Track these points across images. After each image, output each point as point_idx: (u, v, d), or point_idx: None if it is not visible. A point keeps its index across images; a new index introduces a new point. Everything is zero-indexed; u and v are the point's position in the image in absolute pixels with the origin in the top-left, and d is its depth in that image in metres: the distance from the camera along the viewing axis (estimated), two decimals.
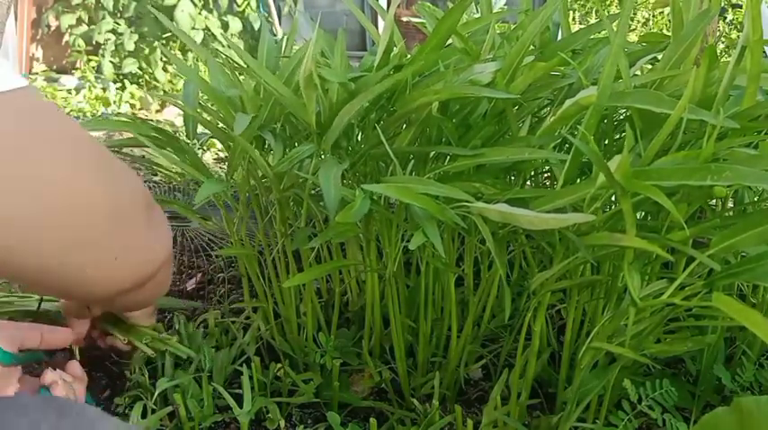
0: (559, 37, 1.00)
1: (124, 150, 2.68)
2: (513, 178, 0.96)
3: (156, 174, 2.37)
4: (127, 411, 0.95)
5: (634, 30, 4.85)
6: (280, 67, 1.03)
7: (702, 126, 0.70)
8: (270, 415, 0.94)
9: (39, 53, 4.07)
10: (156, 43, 3.69)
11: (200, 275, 1.45)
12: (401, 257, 0.95)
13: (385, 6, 0.96)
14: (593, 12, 4.79)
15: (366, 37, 5.03)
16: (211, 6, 3.79)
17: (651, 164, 0.69)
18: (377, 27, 1.12)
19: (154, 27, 3.73)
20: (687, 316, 0.96)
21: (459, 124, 0.88)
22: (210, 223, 1.12)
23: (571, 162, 0.74)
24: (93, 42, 3.70)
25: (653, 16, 4.92)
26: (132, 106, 3.56)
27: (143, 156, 2.59)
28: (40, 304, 0.98)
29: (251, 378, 0.95)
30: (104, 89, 3.69)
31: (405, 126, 0.88)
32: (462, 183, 0.79)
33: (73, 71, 3.89)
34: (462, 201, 0.72)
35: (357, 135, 0.95)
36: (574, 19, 4.73)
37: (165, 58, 3.62)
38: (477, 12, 1.21)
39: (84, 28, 3.75)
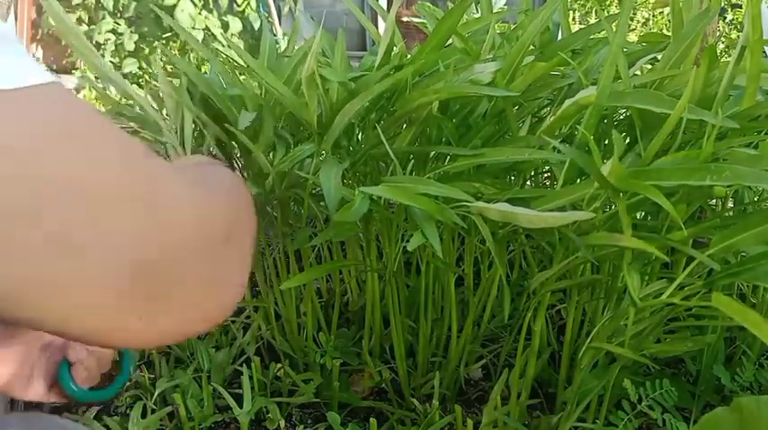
0: (559, 37, 1.00)
1: None
2: (513, 178, 0.96)
3: None
4: (127, 411, 0.95)
5: (634, 30, 4.85)
6: (280, 66, 1.03)
7: (702, 126, 0.70)
8: (270, 415, 0.95)
9: (39, 53, 4.07)
10: (156, 43, 3.69)
11: None
12: (401, 257, 0.95)
13: (385, 6, 0.96)
14: (593, 12, 4.79)
15: (366, 37, 5.03)
16: (211, 6, 3.79)
17: (651, 163, 0.69)
18: (377, 27, 1.12)
19: (154, 27, 3.73)
20: (687, 316, 0.96)
21: (460, 124, 0.88)
22: None
23: (571, 162, 0.74)
24: (93, 42, 3.71)
25: (653, 16, 4.92)
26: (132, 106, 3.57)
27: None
28: None
29: (251, 378, 0.95)
30: (104, 89, 3.69)
31: (405, 126, 0.88)
32: (462, 183, 0.79)
33: (73, 71, 3.89)
34: (462, 201, 0.72)
35: (357, 135, 0.95)
36: (574, 19, 4.72)
37: (165, 58, 3.62)
38: (477, 12, 1.21)
39: (84, 28, 3.75)
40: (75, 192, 0.26)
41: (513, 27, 1.00)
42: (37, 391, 0.53)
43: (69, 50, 3.87)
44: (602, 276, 0.91)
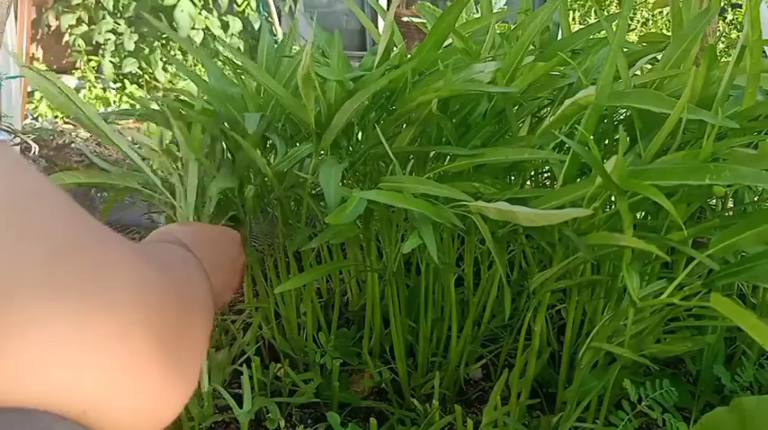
0: (559, 37, 1.00)
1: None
2: (512, 178, 0.96)
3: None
4: None
5: (634, 30, 4.85)
6: (280, 67, 1.03)
7: (702, 126, 0.70)
8: (270, 415, 0.94)
9: (39, 53, 4.07)
10: (156, 43, 3.69)
11: None
12: (401, 257, 0.95)
13: (385, 7, 0.97)
14: (593, 12, 4.79)
15: (366, 37, 5.03)
16: (211, 6, 3.79)
17: (651, 163, 0.69)
18: (377, 27, 1.12)
19: (154, 27, 3.73)
20: (687, 316, 0.96)
21: (459, 124, 0.88)
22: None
23: (570, 162, 0.74)
24: (93, 42, 3.70)
25: (653, 16, 4.92)
26: (132, 106, 3.57)
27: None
28: None
29: (251, 378, 0.95)
30: (104, 89, 3.69)
31: (404, 125, 0.88)
32: (462, 183, 0.79)
33: (73, 71, 3.89)
34: (461, 201, 0.72)
35: (357, 134, 0.95)
36: (574, 19, 4.72)
37: (165, 58, 3.62)
38: (478, 12, 1.21)
39: (84, 28, 3.75)
40: None
41: (513, 27, 1.00)
42: None
43: (69, 50, 3.87)
44: (602, 276, 0.91)
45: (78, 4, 3.75)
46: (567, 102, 0.74)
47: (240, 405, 0.90)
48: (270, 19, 4.02)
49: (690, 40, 0.79)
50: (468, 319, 0.98)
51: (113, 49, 3.70)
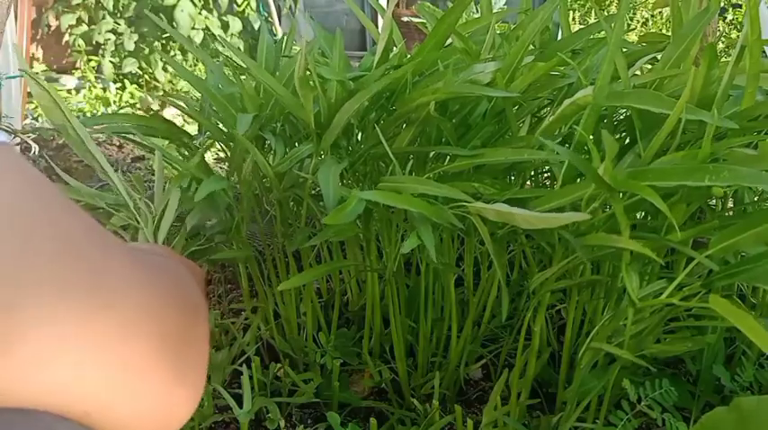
0: (559, 37, 1.00)
1: (123, 153, 2.68)
2: (512, 178, 0.96)
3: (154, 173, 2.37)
4: None
5: (634, 30, 4.85)
6: (280, 67, 1.03)
7: (702, 126, 0.70)
8: (270, 415, 0.95)
9: (39, 53, 4.07)
10: (156, 43, 3.69)
11: None
12: (401, 257, 0.95)
13: (386, 7, 0.97)
14: (593, 12, 4.79)
15: (366, 37, 5.03)
16: (211, 6, 3.79)
17: (650, 164, 0.69)
18: (377, 27, 1.12)
19: (154, 27, 3.73)
20: (687, 316, 0.96)
21: (459, 124, 0.88)
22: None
23: (569, 162, 0.74)
24: (93, 42, 3.70)
25: (653, 16, 4.92)
26: (132, 106, 3.57)
27: (142, 157, 2.60)
28: None
29: (251, 378, 0.95)
30: (104, 89, 3.69)
31: (404, 126, 0.88)
32: (461, 183, 0.79)
33: (73, 71, 3.89)
34: (461, 201, 0.72)
35: (357, 135, 0.95)
36: (574, 19, 4.73)
37: (164, 59, 3.62)
38: (478, 12, 1.21)
39: (84, 28, 3.75)
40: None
41: (512, 27, 1.00)
42: None
43: (69, 50, 3.87)
44: (601, 276, 0.91)
45: (78, 4, 3.74)
46: (567, 102, 0.74)
47: (240, 405, 0.90)
48: (270, 19, 4.02)
49: (689, 40, 0.79)
50: (467, 319, 0.98)
51: (113, 49, 3.70)
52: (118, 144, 2.72)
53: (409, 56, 0.89)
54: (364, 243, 0.99)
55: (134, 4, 3.68)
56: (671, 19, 0.86)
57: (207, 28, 3.67)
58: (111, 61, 3.71)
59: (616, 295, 0.85)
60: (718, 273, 0.65)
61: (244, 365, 0.98)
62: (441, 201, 0.74)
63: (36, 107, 3.34)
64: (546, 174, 1.13)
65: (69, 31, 3.78)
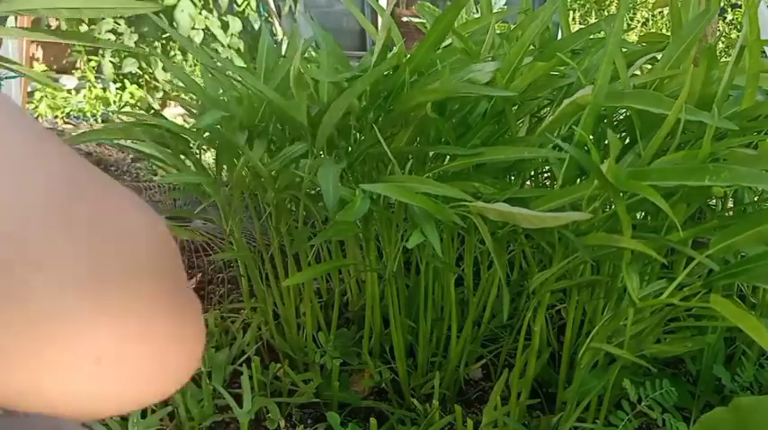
0: (559, 37, 1.00)
1: (123, 153, 2.68)
2: (512, 178, 0.96)
3: (155, 174, 2.37)
4: None
5: (634, 30, 4.85)
6: (278, 67, 1.03)
7: (702, 126, 0.70)
8: (270, 415, 0.95)
9: (39, 53, 4.07)
10: (156, 43, 3.69)
11: (199, 275, 1.45)
12: (401, 257, 0.95)
13: (386, 7, 0.97)
14: (593, 12, 4.79)
15: (366, 37, 5.03)
16: (211, 6, 3.79)
17: (650, 163, 0.69)
18: (376, 27, 1.12)
19: (154, 27, 3.73)
20: (687, 316, 0.96)
21: (459, 124, 0.88)
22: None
23: (570, 161, 0.74)
24: None
25: (653, 16, 4.91)
26: (132, 106, 3.57)
27: (142, 157, 2.59)
28: None
29: (251, 378, 0.95)
30: (104, 89, 3.69)
31: (403, 125, 0.88)
32: (461, 183, 0.79)
33: (73, 71, 3.89)
34: (461, 201, 0.72)
35: (355, 135, 0.95)
36: (574, 19, 4.72)
37: (163, 60, 3.62)
38: (478, 12, 1.20)
39: (84, 28, 3.75)
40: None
41: (512, 27, 1.00)
42: None
43: (69, 50, 3.87)
44: (601, 276, 0.91)
45: None
46: (566, 101, 0.74)
47: (240, 405, 0.90)
48: (270, 19, 4.02)
49: (689, 40, 0.79)
50: (467, 319, 0.98)
51: (113, 48, 3.70)
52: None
53: (408, 55, 0.89)
54: (364, 242, 0.99)
55: None
56: (671, 19, 0.86)
57: (207, 28, 3.67)
58: (111, 61, 3.71)
59: (616, 295, 0.85)
60: (717, 274, 0.65)
61: (244, 365, 0.98)
62: (441, 201, 0.74)
63: (36, 107, 3.34)
64: (546, 175, 1.13)
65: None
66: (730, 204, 1.03)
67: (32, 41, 3.88)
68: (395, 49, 0.93)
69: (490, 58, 0.85)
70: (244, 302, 1.16)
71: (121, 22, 3.71)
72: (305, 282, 1.03)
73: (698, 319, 0.91)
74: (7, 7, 0.63)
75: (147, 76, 3.76)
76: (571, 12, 4.62)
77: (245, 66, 0.88)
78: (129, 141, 0.93)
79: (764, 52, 1.21)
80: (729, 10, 4.22)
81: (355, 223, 0.86)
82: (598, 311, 0.93)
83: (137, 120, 0.96)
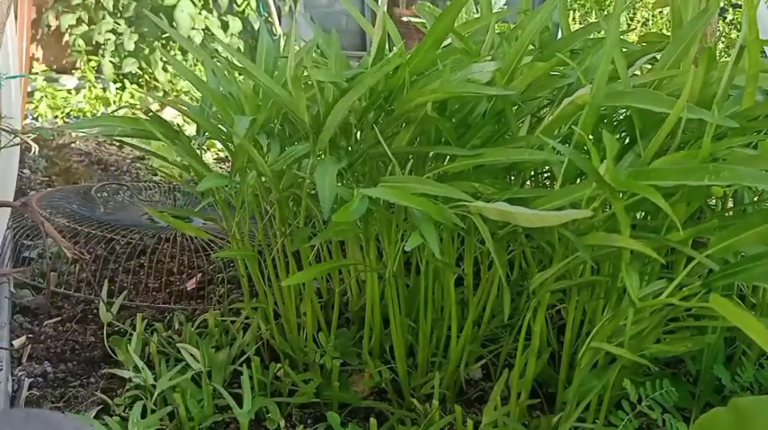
0: (559, 37, 1.00)
1: (123, 153, 2.68)
2: (512, 178, 0.96)
3: (155, 174, 2.37)
4: (127, 411, 0.95)
5: (634, 30, 4.84)
6: (278, 67, 1.03)
7: (702, 126, 0.70)
8: (270, 415, 0.95)
9: (39, 53, 4.07)
10: (156, 43, 3.69)
11: (199, 275, 1.45)
12: (401, 257, 0.95)
13: (386, 8, 0.97)
14: (593, 12, 4.79)
15: (366, 38, 5.03)
16: (211, 6, 3.78)
17: (650, 163, 0.69)
18: None
19: (154, 27, 3.73)
20: (687, 316, 0.96)
21: (459, 124, 0.88)
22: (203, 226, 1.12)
23: (569, 161, 0.74)
24: (93, 42, 3.70)
25: (653, 16, 4.91)
26: (132, 106, 3.56)
27: (143, 157, 2.59)
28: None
29: (251, 378, 0.95)
30: (104, 89, 3.68)
31: (403, 126, 0.88)
32: (461, 183, 0.79)
33: (73, 71, 3.88)
34: (461, 201, 0.72)
35: (356, 134, 0.95)
36: (574, 19, 4.72)
37: (165, 58, 3.62)
38: (478, 12, 1.21)
39: (84, 28, 3.74)
40: None
41: (512, 27, 1.00)
42: None
43: (69, 50, 3.87)
44: (601, 276, 0.91)
45: (78, 4, 3.74)
46: (566, 101, 0.74)
47: (240, 405, 0.90)
48: (270, 19, 4.02)
49: (689, 40, 0.79)
50: (467, 319, 0.98)
51: (113, 49, 3.70)
52: (118, 144, 2.72)
53: (408, 55, 0.89)
54: (364, 243, 0.99)
55: (134, 4, 3.68)
56: (671, 19, 0.86)
57: (207, 28, 3.67)
58: (111, 61, 3.71)
59: (616, 295, 0.85)
60: (717, 273, 0.65)
61: (244, 365, 0.98)
62: (441, 201, 0.74)
63: (36, 107, 3.34)
64: (546, 175, 1.13)
65: (69, 31, 3.78)
66: (730, 204, 1.03)
67: (32, 41, 3.88)
68: (395, 49, 0.93)
69: (490, 58, 0.85)
70: (244, 302, 1.16)
71: (121, 22, 3.71)
72: (305, 282, 1.03)
73: (698, 319, 0.91)
74: None
75: (147, 76, 3.76)
76: (571, 12, 4.62)
77: (245, 66, 0.88)
78: (135, 140, 0.93)
79: (764, 52, 1.21)
80: (730, 10, 4.22)
81: (355, 223, 0.86)
82: (598, 311, 0.93)
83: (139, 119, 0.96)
